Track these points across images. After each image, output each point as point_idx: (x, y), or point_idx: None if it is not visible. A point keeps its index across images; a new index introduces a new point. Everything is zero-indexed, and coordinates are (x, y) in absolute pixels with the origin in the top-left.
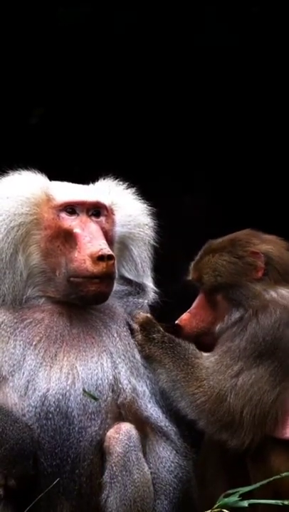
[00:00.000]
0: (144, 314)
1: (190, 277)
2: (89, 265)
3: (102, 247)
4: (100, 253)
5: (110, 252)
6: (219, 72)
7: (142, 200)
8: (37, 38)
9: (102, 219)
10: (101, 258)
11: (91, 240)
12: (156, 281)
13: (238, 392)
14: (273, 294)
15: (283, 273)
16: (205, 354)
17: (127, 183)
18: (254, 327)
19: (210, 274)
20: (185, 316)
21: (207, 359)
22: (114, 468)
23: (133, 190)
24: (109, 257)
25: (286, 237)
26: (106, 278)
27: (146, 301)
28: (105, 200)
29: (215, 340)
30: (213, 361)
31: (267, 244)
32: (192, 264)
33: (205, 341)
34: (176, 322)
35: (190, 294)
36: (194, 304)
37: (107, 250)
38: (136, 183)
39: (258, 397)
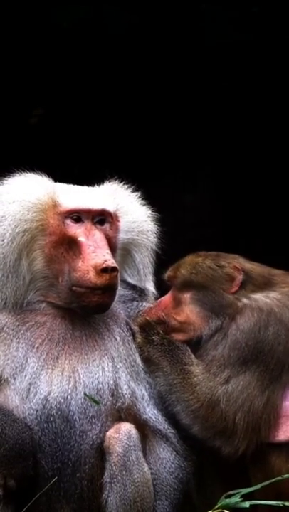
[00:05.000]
0: (143, 317)
1: (165, 276)
2: (92, 276)
3: (107, 258)
4: (104, 265)
5: (114, 265)
6: (220, 73)
7: (146, 205)
8: (37, 39)
9: (107, 226)
10: (105, 270)
11: (95, 249)
12: (157, 284)
13: (229, 398)
14: (245, 300)
15: (260, 286)
16: (196, 361)
17: (131, 187)
18: (234, 333)
19: (187, 270)
20: (151, 304)
21: (197, 366)
22: (114, 468)
23: (137, 194)
24: (113, 269)
25: (287, 238)
26: (109, 290)
27: (148, 304)
28: (110, 208)
29: (169, 332)
30: (202, 369)
31: (250, 264)
32: (173, 265)
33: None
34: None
35: None
36: (162, 298)
37: (111, 262)
38: (136, 183)
39: (249, 403)
